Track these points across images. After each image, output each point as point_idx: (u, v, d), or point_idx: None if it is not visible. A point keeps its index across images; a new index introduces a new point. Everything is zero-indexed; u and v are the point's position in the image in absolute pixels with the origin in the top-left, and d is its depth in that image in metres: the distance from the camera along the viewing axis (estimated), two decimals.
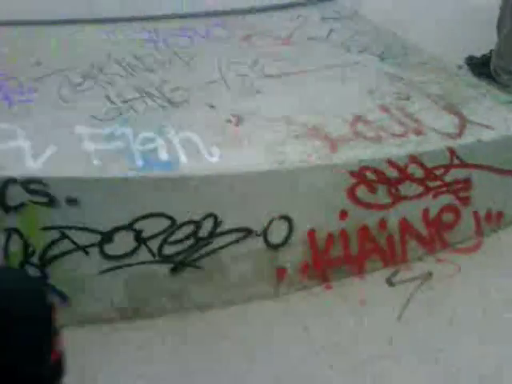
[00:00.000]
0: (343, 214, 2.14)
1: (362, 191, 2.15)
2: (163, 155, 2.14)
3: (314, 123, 2.35)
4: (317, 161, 2.12)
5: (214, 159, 2.14)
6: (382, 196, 2.18)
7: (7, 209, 1.97)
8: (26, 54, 2.81)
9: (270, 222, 2.09)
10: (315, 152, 2.16)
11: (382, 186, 2.16)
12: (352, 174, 2.11)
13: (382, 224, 2.21)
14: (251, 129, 2.32)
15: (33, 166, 2.04)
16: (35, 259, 1.99)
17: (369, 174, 2.13)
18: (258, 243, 2.10)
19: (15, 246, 1.98)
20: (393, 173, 2.15)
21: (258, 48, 3.04)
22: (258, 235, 2.09)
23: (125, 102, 2.47)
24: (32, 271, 1.98)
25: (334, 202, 2.14)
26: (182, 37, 3.11)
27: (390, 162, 2.14)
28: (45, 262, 2.00)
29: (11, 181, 1.96)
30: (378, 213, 2.20)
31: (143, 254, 2.04)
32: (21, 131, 2.20)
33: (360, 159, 2.12)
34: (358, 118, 2.38)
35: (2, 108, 2.38)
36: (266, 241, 2.11)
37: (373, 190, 2.15)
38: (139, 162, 2.08)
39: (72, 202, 1.98)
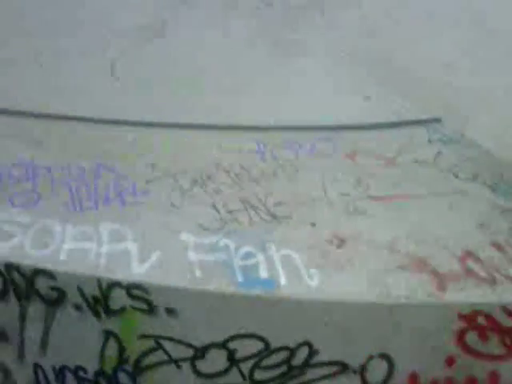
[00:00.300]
0: (450, 360, 2.01)
1: (471, 337, 2.02)
2: (263, 272, 2.16)
3: (419, 254, 2.29)
4: (423, 298, 2.05)
5: (313, 283, 2.13)
6: (494, 346, 2.03)
7: (109, 312, 2.05)
8: (142, 154, 3.02)
9: (369, 360, 2.00)
10: (421, 287, 2.09)
11: (494, 335, 2.02)
12: (462, 316, 2.00)
13: (493, 379, 2.04)
14: (353, 253, 2.30)
15: (138, 271, 2.13)
16: (129, 366, 2.02)
17: (480, 319, 2.01)
18: (354, 381, 2.01)
19: (111, 350, 2.03)
20: (508, 322, 2.02)
21: (361, 167, 3.07)
22: (354, 372, 2.00)
23: (229, 212, 2.56)
24: (124, 378, 2.00)
25: (441, 346, 2.02)
26: (288, 149, 3.22)
27: (506, 310, 2.01)
28: (138, 370, 2.03)
29: (116, 284, 2.05)
30: (488, 364, 2.04)
31: (234, 376, 2.02)
32: (130, 233, 2.33)
33: (472, 302, 2.02)
34: (469, 254, 2.29)
35: (115, 208, 2.54)
36: (362, 379, 2.01)
37: (484, 338, 2.01)
38: (239, 278, 2.12)
39: (171, 312, 2.02)
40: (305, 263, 2.22)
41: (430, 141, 3.45)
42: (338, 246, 2.35)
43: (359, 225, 2.52)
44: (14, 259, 2.13)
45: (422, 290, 2.07)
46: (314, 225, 2.51)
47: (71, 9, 5.52)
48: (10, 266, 2.11)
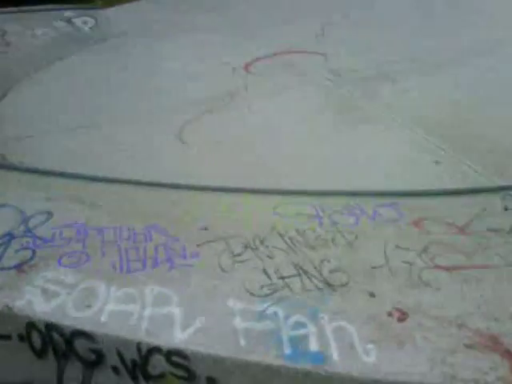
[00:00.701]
0: None
1: None
2: (313, 345, 2.05)
3: (491, 332, 2.09)
4: (493, 381, 1.84)
5: (369, 359, 1.99)
6: None
7: (147, 377, 2.01)
8: (196, 218, 3.03)
9: None
10: (492, 370, 1.89)
11: None
12: None
13: None
14: (416, 328, 2.14)
15: (180, 337, 2.08)
16: None
17: None
18: None
19: None
20: None
21: (429, 234, 2.91)
22: None
23: (281, 278, 2.48)
24: None
25: None
26: (348, 215, 3.12)
27: None
28: None
29: (156, 349, 2.00)
30: None
31: None
32: (175, 297, 2.30)
33: None
34: None
35: (163, 270, 2.53)
36: None
37: None
38: (287, 349, 2.02)
39: (212, 381, 1.96)
40: (360, 337, 2.09)
41: (505, 208, 3.24)
42: (399, 320, 2.20)
43: (424, 297, 2.36)
44: (55, 319, 2.15)
45: (493, 373, 1.87)
46: (372, 295, 2.38)
47: (149, 76, 5.93)
48: (50, 326, 2.13)
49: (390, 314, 2.22)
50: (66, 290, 2.34)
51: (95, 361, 2.10)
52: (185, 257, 2.63)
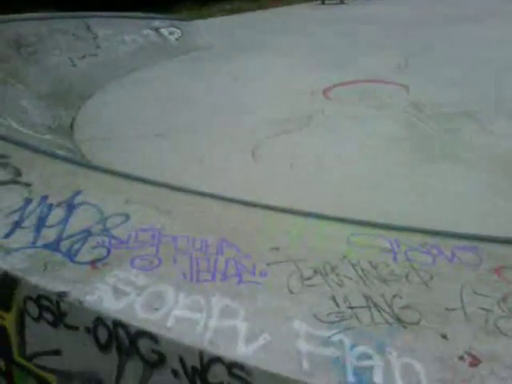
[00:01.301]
0: None
1: None
2: (378, 377, 2.05)
3: None
4: None
5: None
6: None
7: None
8: (267, 237, 3.10)
9: None
10: None
11: None
12: None
13: None
14: (488, 376, 2.10)
15: (242, 350, 2.14)
16: None
17: None
18: None
19: None
20: None
21: (509, 284, 2.84)
22: None
23: (350, 307, 2.49)
24: None
25: None
26: (425, 253, 3.10)
27: None
28: None
29: (218, 360, 2.06)
30: None
31: None
32: (242, 311, 2.37)
33: None
34: None
35: (231, 283, 2.61)
36: None
37: None
38: (350, 378, 2.02)
39: None
40: (429, 377, 2.07)
41: None
42: (471, 365, 2.16)
43: (499, 345, 2.31)
44: (123, 317, 2.26)
45: None
46: (444, 337, 2.35)
47: (230, 91, 6.15)
48: (117, 323, 2.25)
49: (461, 358, 2.19)
50: (136, 291, 2.46)
51: (157, 362, 2.19)
52: (254, 274, 2.70)
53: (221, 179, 3.99)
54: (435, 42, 8.67)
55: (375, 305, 2.54)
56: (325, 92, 6.39)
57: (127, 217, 3.12)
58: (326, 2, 15.29)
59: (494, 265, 3.07)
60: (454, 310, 2.58)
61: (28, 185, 3.43)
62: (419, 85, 6.57)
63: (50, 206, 3.20)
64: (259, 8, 14.39)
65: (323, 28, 10.76)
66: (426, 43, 8.72)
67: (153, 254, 2.78)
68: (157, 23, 9.48)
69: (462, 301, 2.67)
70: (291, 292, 2.58)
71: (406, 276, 2.86)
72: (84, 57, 7.47)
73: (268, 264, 2.81)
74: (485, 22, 10.41)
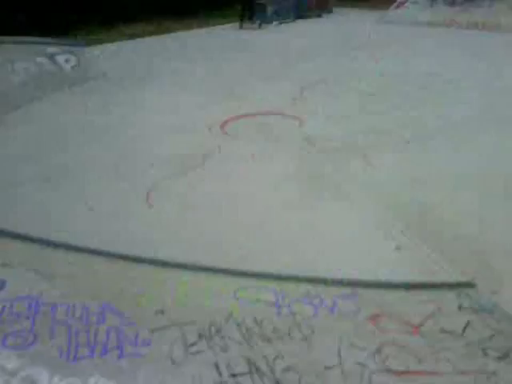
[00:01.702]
0: None
1: None
2: None
3: None
4: None
5: None
6: None
7: None
8: (153, 298, 3.02)
9: None
10: None
11: None
12: None
13: None
14: None
15: None
16: None
17: None
18: None
19: None
20: None
21: (384, 333, 2.96)
22: None
23: (232, 375, 2.48)
24: None
25: None
26: (308, 305, 3.16)
27: None
28: None
29: None
30: None
31: None
32: None
33: None
34: None
35: (111, 359, 2.50)
36: None
37: None
38: None
39: None
40: None
41: (460, 307, 3.32)
42: None
43: None
44: None
45: None
46: None
47: (123, 125, 5.95)
48: None
49: None
50: (5, 377, 2.28)
51: None
52: (136, 344, 2.62)
53: (111, 228, 3.84)
54: (331, 74, 9.05)
55: (257, 370, 2.55)
56: (222, 126, 6.40)
57: (3, 283, 2.92)
58: (244, 26, 15.36)
59: (371, 312, 3.20)
60: (331, 368, 2.64)
61: None
62: (313, 117, 6.79)
63: None
64: (163, 32, 14.21)
65: (219, 57, 10.82)
66: (322, 75, 9.06)
67: (28, 328, 2.61)
68: (52, 49, 8.88)
69: (339, 356, 2.74)
70: (174, 363, 2.53)
71: (289, 332, 2.90)
72: None
73: (152, 331, 2.73)
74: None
